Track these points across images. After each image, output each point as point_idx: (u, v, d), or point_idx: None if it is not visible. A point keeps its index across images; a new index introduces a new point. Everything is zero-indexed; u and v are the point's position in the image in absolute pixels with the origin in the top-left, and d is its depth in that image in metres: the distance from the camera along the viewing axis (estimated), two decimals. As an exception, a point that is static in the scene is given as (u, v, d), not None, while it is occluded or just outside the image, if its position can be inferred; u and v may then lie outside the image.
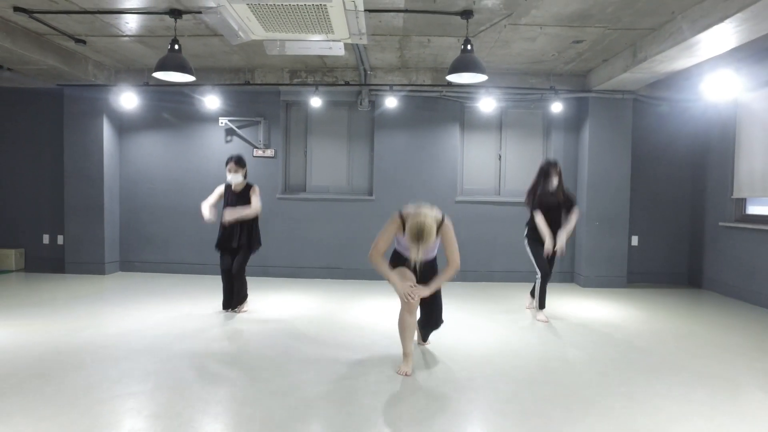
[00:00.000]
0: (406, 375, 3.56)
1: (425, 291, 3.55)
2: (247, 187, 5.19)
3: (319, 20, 3.93)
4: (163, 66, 4.85)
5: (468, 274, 7.24)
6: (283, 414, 2.90)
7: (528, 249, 5.27)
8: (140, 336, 4.38)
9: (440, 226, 3.51)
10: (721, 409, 3.07)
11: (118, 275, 7.42)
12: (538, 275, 5.16)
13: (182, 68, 4.90)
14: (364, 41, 4.50)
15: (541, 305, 5.22)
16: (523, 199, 7.34)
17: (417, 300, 3.54)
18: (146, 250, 7.66)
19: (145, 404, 3.00)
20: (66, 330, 4.50)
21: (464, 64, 4.71)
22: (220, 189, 5.23)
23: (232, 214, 4.98)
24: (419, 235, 3.29)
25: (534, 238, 5.17)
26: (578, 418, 2.92)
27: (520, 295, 6.41)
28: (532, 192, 5.24)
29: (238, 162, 5.12)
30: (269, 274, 7.42)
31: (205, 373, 3.52)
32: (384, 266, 3.56)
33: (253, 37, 4.40)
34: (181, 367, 3.64)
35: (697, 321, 5.29)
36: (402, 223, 3.51)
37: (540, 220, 5.10)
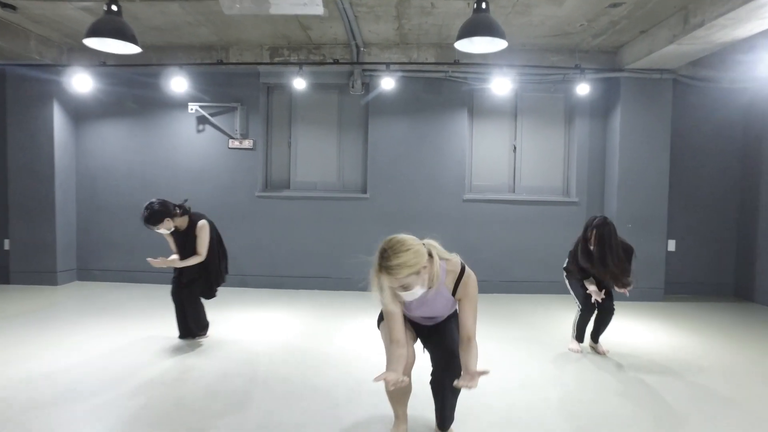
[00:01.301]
0: None
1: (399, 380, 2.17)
2: (192, 224, 4.07)
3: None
4: (96, 31, 3.80)
5: (480, 285, 6.18)
6: None
7: (567, 283, 4.25)
8: (72, 376, 3.41)
9: (460, 276, 2.37)
10: None
11: (74, 285, 6.42)
12: (579, 307, 4.15)
13: (121, 34, 3.84)
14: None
15: (579, 338, 4.23)
16: (541, 197, 6.43)
17: (392, 385, 2.16)
18: (107, 257, 6.65)
19: None
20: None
21: (478, 25, 3.65)
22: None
23: (168, 264, 4.01)
24: (383, 255, 2.17)
25: (572, 271, 4.13)
26: None
27: (543, 312, 5.42)
28: (574, 256, 4.07)
29: (151, 220, 3.89)
30: (247, 285, 6.40)
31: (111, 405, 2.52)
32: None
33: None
34: (108, 422, 2.64)
35: (760, 347, 4.26)
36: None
37: (591, 286, 3.99)
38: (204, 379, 3.43)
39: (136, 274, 6.54)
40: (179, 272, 4.17)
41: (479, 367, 2.21)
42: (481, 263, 6.25)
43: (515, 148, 6.49)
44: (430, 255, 2.27)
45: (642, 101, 5.95)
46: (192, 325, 4.24)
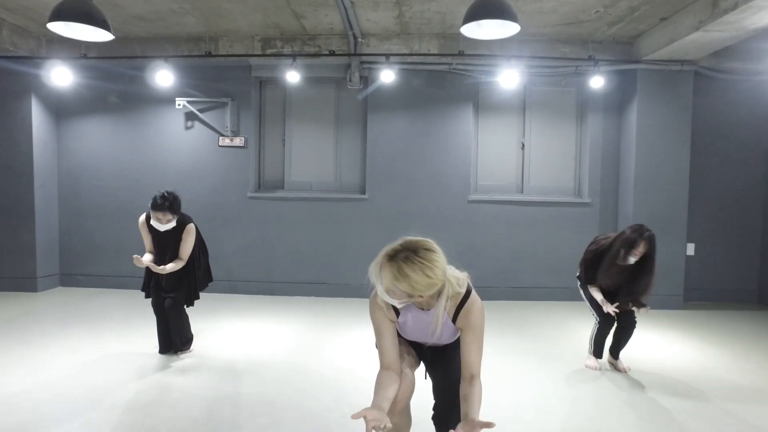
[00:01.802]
0: None
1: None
2: (180, 225, 3.72)
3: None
4: (60, 14, 3.41)
5: (486, 291, 5.80)
6: None
7: (582, 293, 3.86)
8: (42, 397, 3.06)
9: (464, 300, 1.98)
10: None
11: (55, 291, 6.05)
12: (597, 320, 3.77)
13: (89, 18, 3.45)
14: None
15: (597, 354, 3.84)
16: (551, 198, 6.05)
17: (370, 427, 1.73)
18: (92, 261, 6.28)
19: None
20: None
21: (486, 7, 3.26)
22: (142, 219, 3.78)
23: (156, 270, 3.62)
24: (410, 252, 1.81)
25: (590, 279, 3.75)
26: None
27: (554, 321, 5.04)
28: (594, 261, 3.66)
29: (173, 209, 3.60)
30: (237, 291, 6.02)
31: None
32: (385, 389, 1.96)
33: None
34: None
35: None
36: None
37: (596, 294, 3.65)
38: (183, 402, 3.06)
39: (121, 279, 6.18)
40: (158, 282, 3.81)
41: (482, 417, 1.82)
42: (487, 268, 5.88)
43: (524, 145, 6.09)
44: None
45: (660, 95, 5.55)
46: (175, 339, 3.87)
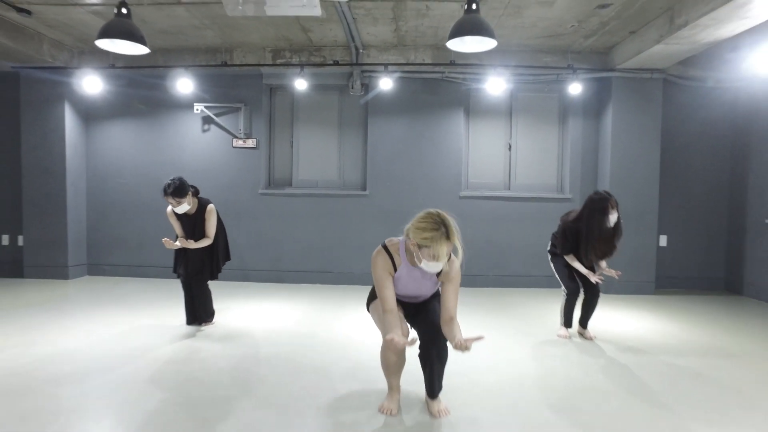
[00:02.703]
0: (390, 413, 2.75)
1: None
2: (201, 208, 4.36)
3: (285, -36, 3.12)
4: (107, 32, 4.03)
5: (476, 279, 6.40)
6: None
7: (552, 265, 4.41)
8: (89, 355, 3.64)
9: (447, 259, 2.52)
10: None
11: (84, 280, 6.64)
12: (565, 292, 4.32)
13: (130, 36, 4.08)
14: (344, -3, 3.68)
15: (567, 324, 4.40)
16: (535, 194, 6.61)
17: (402, 344, 2.33)
18: (116, 252, 6.88)
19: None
20: (10, 348, 3.73)
21: (468, 26, 3.85)
22: (170, 209, 4.37)
23: (185, 244, 4.23)
24: (446, 226, 2.41)
25: (558, 253, 4.29)
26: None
27: (535, 304, 5.59)
28: (572, 234, 4.13)
29: (177, 192, 4.13)
30: (250, 279, 6.61)
31: (147, 402, 2.71)
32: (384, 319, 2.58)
33: (209, -8, 3.59)
34: (124, 392, 2.84)
35: (747, 336, 4.43)
36: (388, 254, 2.59)
37: (576, 264, 4.15)
38: (212, 358, 3.64)
39: (144, 268, 6.77)
40: (185, 262, 4.39)
41: (474, 335, 2.40)
42: (478, 258, 6.44)
43: (510, 146, 6.68)
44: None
45: (633, 100, 6.13)
46: (200, 311, 4.45)
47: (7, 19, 5.29)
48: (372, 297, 2.86)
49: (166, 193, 4.14)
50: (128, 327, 4.43)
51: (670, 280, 6.52)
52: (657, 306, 5.59)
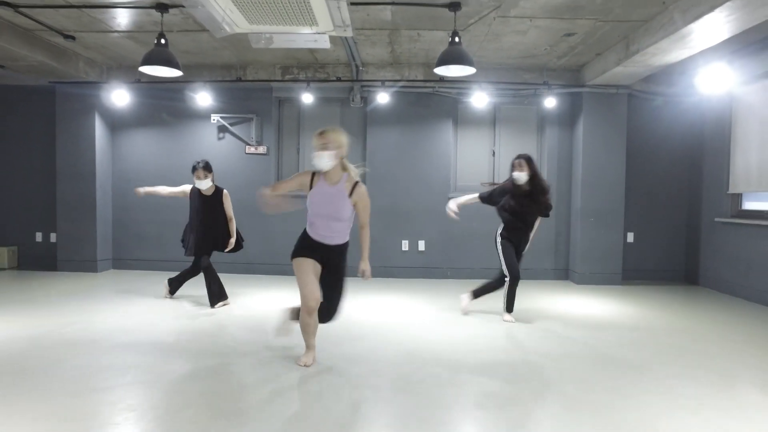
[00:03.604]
0: (305, 366, 3.54)
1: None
2: (218, 192, 5.28)
3: (302, 11, 3.88)
4: (149, 60, 4.81)
5: (462, 272, 7.18)
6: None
7: (499, 249, 4.92)
8: (123, 331, 4.34)
9: (357, 183, 3.42)
10: (708, 403, 3.01)
11: (110, 273, 7.38)
12: (508, 278, 4.88)
13: (168, 62, 4.86)
14: (349, 33, 4.45)
15: (510, 308, 4.94)
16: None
17: (316, 303, 3.36)
18: (139, 248, 7.63)
19: (122, 397, 2.95)
20: (51, 326, 4.46)
21: (452, 56, 4.66)
22: (186, 189, 5.32)
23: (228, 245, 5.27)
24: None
25: (507, 237, 4.88)
26: (562, 413, 2.86)
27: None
28: (500, 190, 4.95)
29: (206, 167, 5.20)
30: (257, 272, 7.37)
31: (181, 367, 3.48)
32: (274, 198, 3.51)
33: (238, 30, 4.35)
34: (159, 361, 3.60)
35: (692, 317, 5.22)
36: (312, 174, 3.45)
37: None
38: (232, 327, 4.41)
39: (163, 263, 7.50)
40: (214, 244, 5.28)
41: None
42: (466, 253, 7.22)
43: (494, 152, 7.47)
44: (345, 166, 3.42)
45: (601, 112, 6.92)
46: (216, 292, 5.28)
47: (53, 43, 6.04)
48: (295, 252, 3.55)
49: (197, 168, 5.12)
50: (159, 309, 5.18)
51: (635, 272, 7.32)
52: (622, 294, 6.37)
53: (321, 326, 3.66)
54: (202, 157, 7.40)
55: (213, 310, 5.19)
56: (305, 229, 3.56)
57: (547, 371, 3.53)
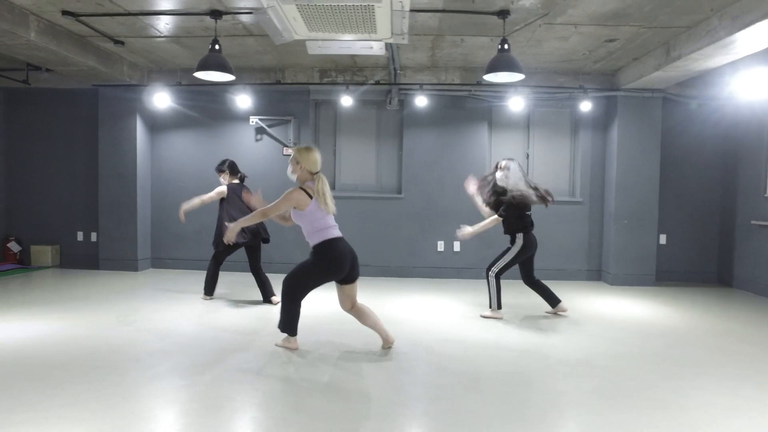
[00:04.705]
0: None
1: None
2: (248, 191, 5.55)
3: (365, 20, 3.99)
4: (204, 66, 4.94)
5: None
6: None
7: (516, 249, 5.16)
8: (184, 330, 4.49)
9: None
10: (771, 403, 3.10)
11: (150, 272, 7.55)
12: (501, 277, 5.21)
13: (223, 68, 4.99)
14: (406, 41, 4.56)
15: (500, 306, 5.22)
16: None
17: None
18: (177, 248, 7.79)
19: (206, 394, 3.09)
20: (112, 323, 4.62)
21: (501, 63, 4.77)
22: (222, 190, 5.59)
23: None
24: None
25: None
26: (630, 409, 2.97)
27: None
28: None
29: (236, 166, 5.81)
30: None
31: (250, 369, 3.61)
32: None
33: (297, 37, 4.48)
34: (229, 360, 3.73)
35: (732, 319, 5.30)
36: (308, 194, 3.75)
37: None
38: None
39: (200, 262, 7.64)
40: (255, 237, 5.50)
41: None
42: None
43: (528, 155, 7.56)
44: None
45: (636, 116, 7.00)
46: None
47: (102, 48, 6.20)
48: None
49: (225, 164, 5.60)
50: (213, 307, 5.33)
51: (668, 274, 7.39)
52: (657, 295, 6.45)
53: (392, 324, 3.79)
54: (239, 157, 7.58)
55: (262, 308, 5.33)
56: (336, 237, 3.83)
57: (606, 371, 3.63)
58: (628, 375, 3.56)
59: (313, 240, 3.79)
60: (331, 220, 3.88)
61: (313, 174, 3.83)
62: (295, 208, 3.78)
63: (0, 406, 2.83)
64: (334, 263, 3.74)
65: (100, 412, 2.79)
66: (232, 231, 3.95)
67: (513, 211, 5.01)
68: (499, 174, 5.10)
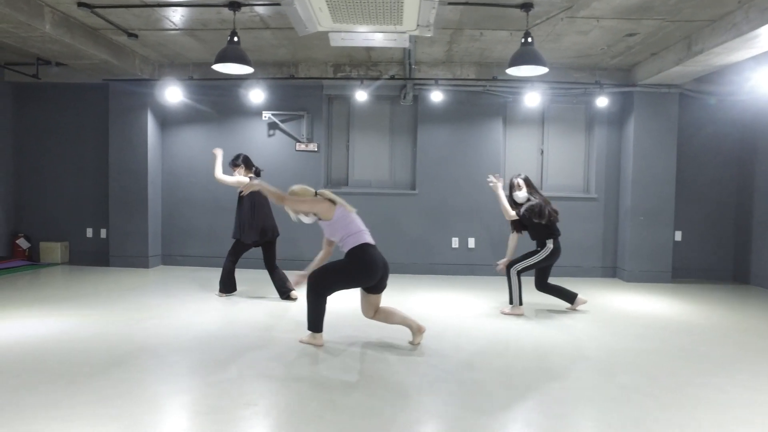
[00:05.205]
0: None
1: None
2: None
3: (392, 11, 3.93)
4: (223, 58, 4.87)
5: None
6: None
7: (541, 253, 5.21)
8: (203, 327, 4.42)
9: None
10: (812, 400, 3.05)
11: (160, 269, 7.47)
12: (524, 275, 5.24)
13: (242, 60, 4.92)
14: (431, 33, 4.49)
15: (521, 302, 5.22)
16: (565, 194, 7.41)
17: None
18: (187, 244, 7.71)
19: (235, 390, 3.02)
20: (130, 320, 4.55)
21: (525, 57, 4.70)
22: (245, 180, 5.43)
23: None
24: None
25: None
26: (671, 406, 2.91)
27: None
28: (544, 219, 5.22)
29: (250, 160, 5.72)
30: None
31: (277, 365, 3.55)
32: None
33: (320, 29, 4.41)
34: (253, 356, 3.67)
35: (754, 316, 5.25)
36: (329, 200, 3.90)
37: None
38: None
39: (212, 259, 7.58)
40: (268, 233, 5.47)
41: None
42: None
43: (542, 151, 7.50)
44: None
45: (652, 112, 6.95)
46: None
47: (115, 41, 6.12)
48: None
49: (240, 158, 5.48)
50: (228, 303, 5.26)
51: (684, 271, 7.34)
52: (674, 292, 6.40)
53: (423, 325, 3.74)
54: (251, 153, 7.50)
55: (281, 304, 5.28)
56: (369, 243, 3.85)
57: (637, 367, 3.57)
58: (662, 371, 3.51)
59: (347, 245, 3.78)
60: (362, 224, 3.90)
61: (316, 196, 3.95)
62: (321, 219, 3.81)
63: (28, 404, 2.76)
64: (366, 269, 3.70)
65: (126, 408, 2.72)
66: (251, 185, 4.08)
67: (538, 222, 5.07)
68: (520, 194, 5.18)
